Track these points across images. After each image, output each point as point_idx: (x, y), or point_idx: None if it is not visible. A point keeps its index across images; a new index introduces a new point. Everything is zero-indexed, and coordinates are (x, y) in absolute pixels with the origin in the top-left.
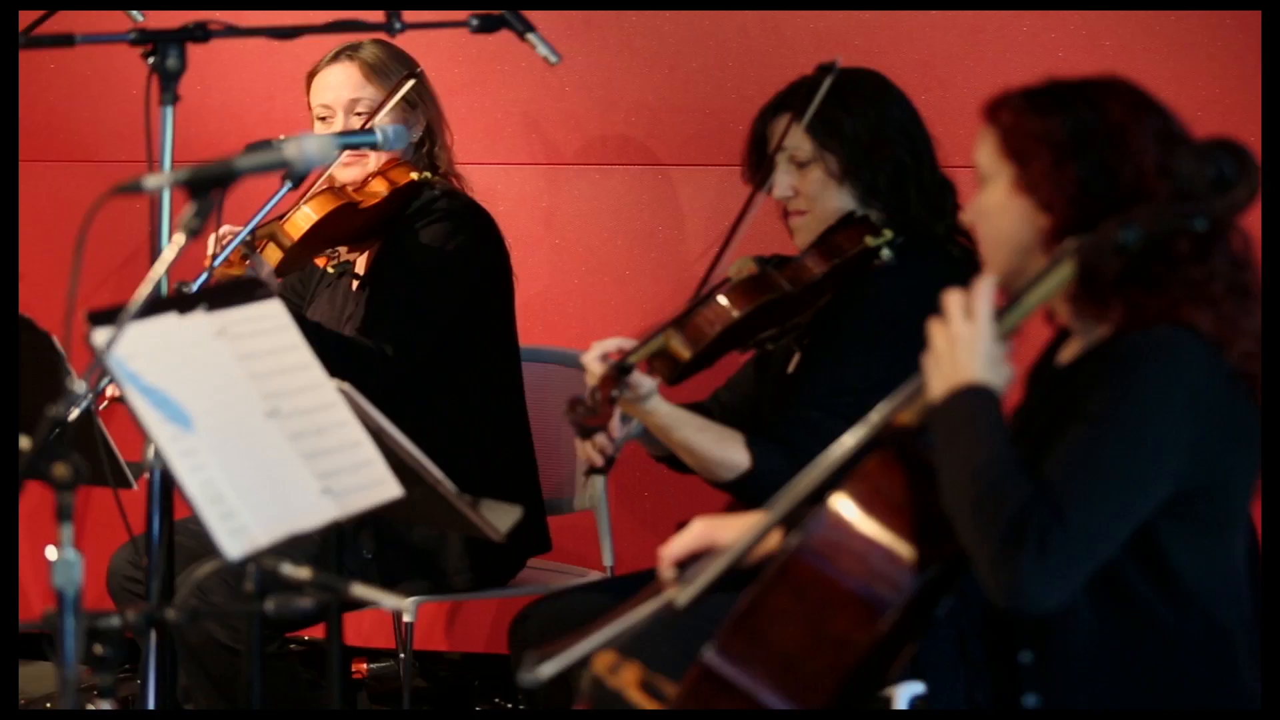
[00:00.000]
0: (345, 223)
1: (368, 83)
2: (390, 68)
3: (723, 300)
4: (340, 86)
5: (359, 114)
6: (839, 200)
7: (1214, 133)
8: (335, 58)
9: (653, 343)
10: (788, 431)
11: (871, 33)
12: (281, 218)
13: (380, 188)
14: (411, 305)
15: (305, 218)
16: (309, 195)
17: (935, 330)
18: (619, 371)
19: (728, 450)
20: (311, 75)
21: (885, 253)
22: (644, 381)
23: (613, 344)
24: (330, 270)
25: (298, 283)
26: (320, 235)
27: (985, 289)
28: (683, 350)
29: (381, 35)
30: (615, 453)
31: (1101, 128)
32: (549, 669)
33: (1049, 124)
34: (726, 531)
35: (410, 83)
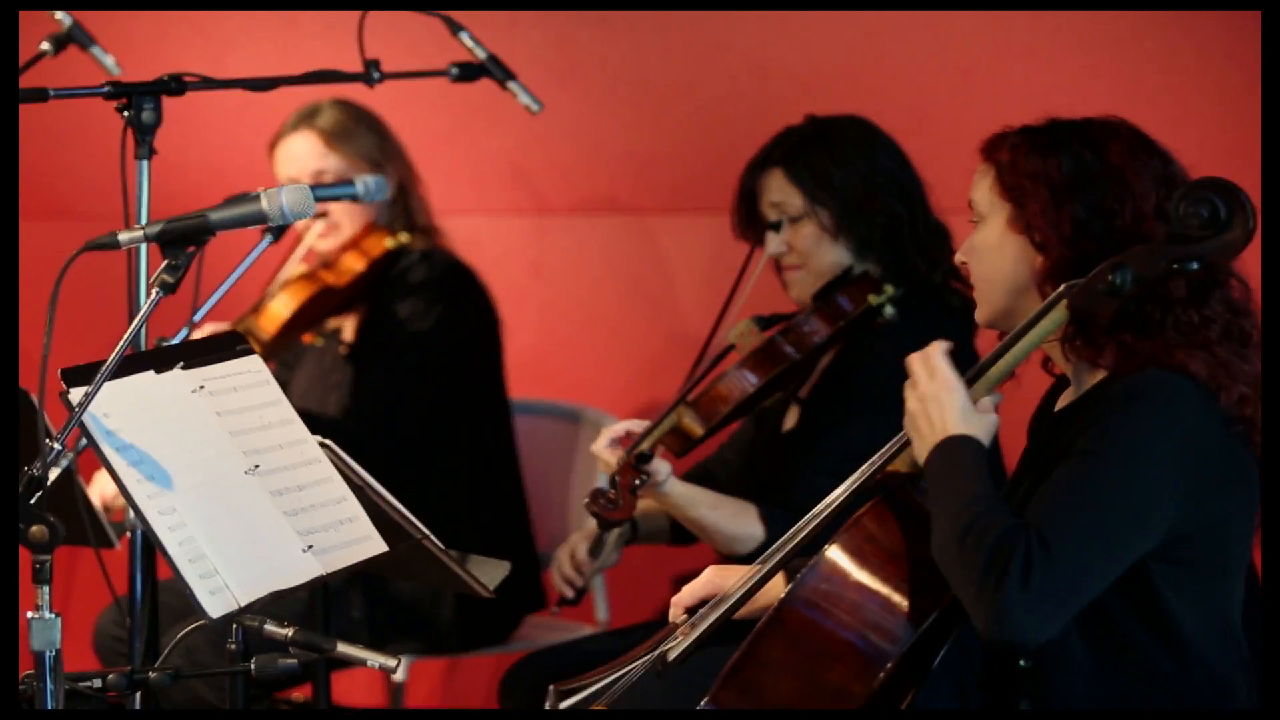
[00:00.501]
0: (323, 304)
1: (330, 151)
2: (352, 130)
3: (734, 376)
4: (304, 157)
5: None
6: (834, 254)
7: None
8: (295, 127)
9: (665, 423)
10: (800, 499)
11: (860, 77)
12: (256, 310)
13: (356, 264)
14: (394, 385)
15: (283, 306)
16: (283, 283)
17: (907, 394)
18: (638, 460)
19: (743, 525)
20: (273, 146)
21: (888, 310)
22: (661, 467)
23: (621, 428)
24: (319, 343)
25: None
26: (299, 322)
27: (939, 347)
28: (696, 428)
29: (358, 86)
30: (586, 584)
31: (1101, 169)
32: (568, 704)
33: (1047, 163)
34: (734, 578)
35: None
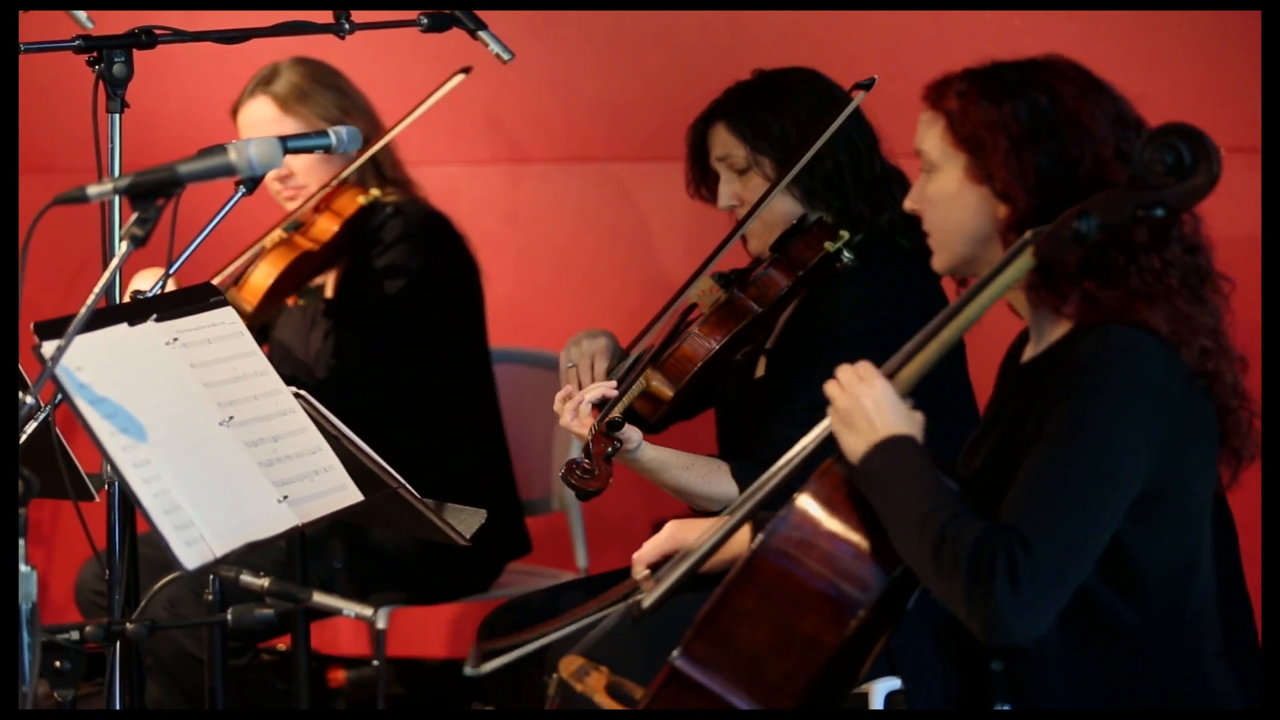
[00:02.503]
0: (303, 269)
1: (286, 115)
2: (308, 91)
3: (698, 334)
4: (262, 124)
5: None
6: (784, 204)
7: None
8: (252, 93)
9: (634, 388)
10: (771, 453)
11: (833, 22)
12: (237, 283)
13: (330, 224)
14: (378, 339)
15: (264, 277)
16: (262, 251)
17: (835, 394)
18: (609, 427)
19: (715, 484)
20: (235, 112)
21: (846, 255)
22: (632, 434)
23: (594, 394)
24: (300, 302)
25: None
26: (280, 290)
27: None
28: (665, 389)
29: (330, 38)
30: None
31: (1058, 115)
32: (490, 666)
33: (1002, 111)
34: (695, 532)
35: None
